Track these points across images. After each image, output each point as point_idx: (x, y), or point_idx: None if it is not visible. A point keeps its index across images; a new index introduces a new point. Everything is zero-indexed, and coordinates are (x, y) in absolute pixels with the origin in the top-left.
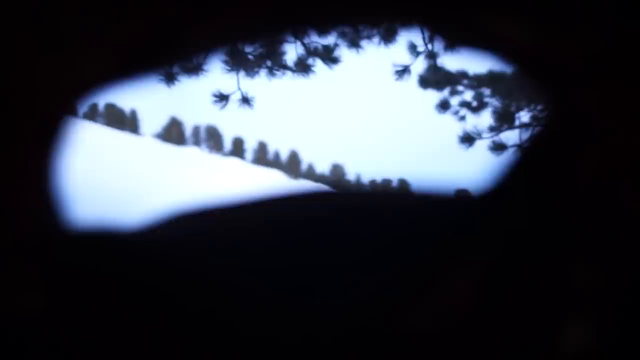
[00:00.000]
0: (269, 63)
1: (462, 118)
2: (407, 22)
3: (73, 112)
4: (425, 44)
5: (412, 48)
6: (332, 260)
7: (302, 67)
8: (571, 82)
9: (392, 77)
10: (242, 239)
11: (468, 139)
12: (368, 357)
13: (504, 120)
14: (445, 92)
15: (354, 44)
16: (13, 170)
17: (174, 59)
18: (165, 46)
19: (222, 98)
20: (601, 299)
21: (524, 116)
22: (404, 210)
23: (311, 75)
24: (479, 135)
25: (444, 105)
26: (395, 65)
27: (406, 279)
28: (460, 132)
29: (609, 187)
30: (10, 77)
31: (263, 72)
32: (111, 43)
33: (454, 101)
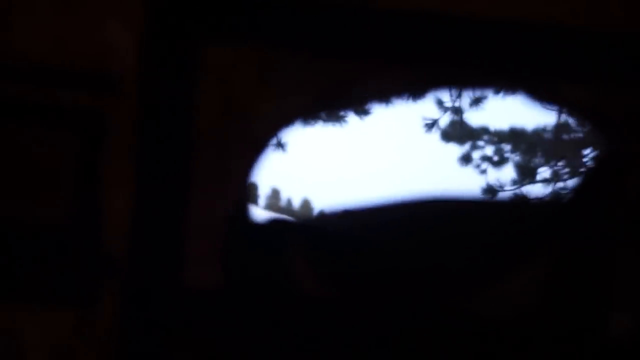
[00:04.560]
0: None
1: (484, 172)
2: (504, 87)
3: (275, 136)
4: (453, 100)
5: (440, 104)
6: (433, 251)
7: (335, 116)
8: (621, 129)
9: (419, 129)
10: (377, 231)
11: (491, 192)
12: (448, 331)
13: (525, 174)
14: (467, 146)
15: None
16: (222, 172)
17: (346, 105)
18: (341, 95)
19: None
20: None
21: (545, 171)
22: (488, 215)
23: (343, 125)
24: (501, 188)
25: (466, 159)
26: (424, 119)
27: (484, 271)
28: (482, 185)
29: None
30: (232, 107)
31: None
32: (309, 86)
33: (476, 155)
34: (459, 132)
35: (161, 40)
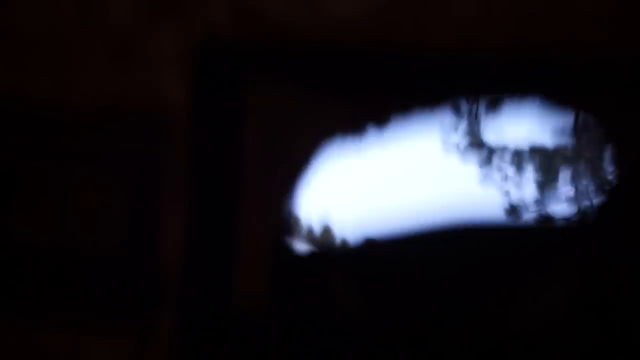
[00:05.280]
0: None
1: (507, 192)
2: (527, 101)
3: (314, 164)
4: (470, 121)
5: (456, 124)
6: (468, 272)
7: (348, 142)
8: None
9: (439, 151)
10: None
11: (514, 211)
12: (484, 344)
13: (548, 193)
14: (488, 167)
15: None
16: (266, 197)
17: (376, 132)
18: (368, 124)
19: None
20: None
21: (569, 191)
22: (515, 237)
23: (358, 150)
24: (525, 209)
25: (487, 180)
26: (442, 140)
27: (518, 290)
28: (506, 205)
29: None
30: (274, 137)
31: None
32: (341, 116)
33: (496, 175)
34: (477, 150)
35: (209, 86)
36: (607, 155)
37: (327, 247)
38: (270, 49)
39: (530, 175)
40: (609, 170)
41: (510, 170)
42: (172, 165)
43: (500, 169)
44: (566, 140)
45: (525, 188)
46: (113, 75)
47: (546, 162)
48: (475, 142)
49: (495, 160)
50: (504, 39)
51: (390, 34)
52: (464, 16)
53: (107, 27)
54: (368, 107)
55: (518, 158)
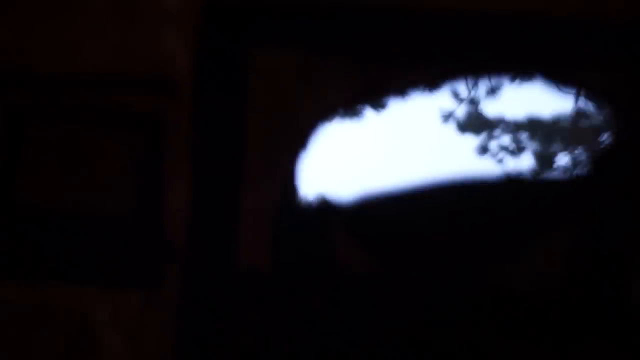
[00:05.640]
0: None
1: (501, 161)
2: (529, 74)
3: (317, 130)
4: (468, 91)
5: (456, 95)
6: (462, 228)
7: (352, 109)
8: (635, 113)
9: (436, 122)
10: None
11: (510, 179)
12: (479, 304)
13: (544, 163)
14: (484, 136)
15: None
16: (271, 155)
17: (378, 100)
18: (373, 92)
19: None
20: None
21: (563, 159)
22: (511, 194)
23: (360, 118)
24: (520, 176)
25: (483, 149)
26: (441, 111)
27: (511, 247)
28: (501, 174)
29: None
30: (278, 106)
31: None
32: (346, 81)
33: (493, 145)
34: (475, 122)
35: (214, 46)
36: (607, 127)
37: (329, 204)
38: (276, 9)
39: (529, 147)
40: (608, 141)
41: (509, 143)
42: (177, 125)
43: (499, 141)
44: (566, 113)
45: (523, 160)
46: (117, 35)
47: (546, 135)
48: (475, 114)
49: (495, 132)
50: (509, 3)
51: None
52: None
53: None
54: (374, 71)
55: (517, 130)
